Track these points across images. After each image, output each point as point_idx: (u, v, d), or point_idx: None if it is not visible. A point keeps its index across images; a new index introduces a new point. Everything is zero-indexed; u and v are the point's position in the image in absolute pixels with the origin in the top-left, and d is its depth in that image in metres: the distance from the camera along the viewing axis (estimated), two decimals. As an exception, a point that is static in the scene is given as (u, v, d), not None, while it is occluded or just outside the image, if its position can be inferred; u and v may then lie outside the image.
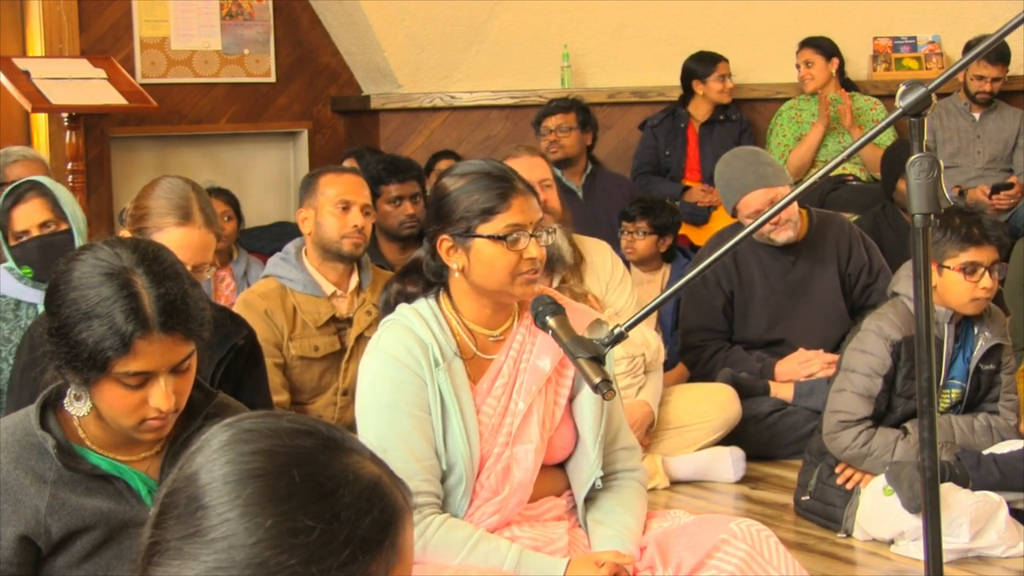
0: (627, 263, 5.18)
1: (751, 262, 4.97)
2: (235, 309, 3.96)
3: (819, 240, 4.96)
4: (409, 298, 2.76)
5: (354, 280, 4.24)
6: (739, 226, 4.99)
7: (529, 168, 4.33)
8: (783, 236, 4.84)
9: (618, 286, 4.54)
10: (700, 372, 5.03)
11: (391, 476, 1.27)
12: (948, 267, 3.77)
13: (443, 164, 6.46)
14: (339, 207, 4.14)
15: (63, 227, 3.79)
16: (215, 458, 1.23)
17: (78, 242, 3.69)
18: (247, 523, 1.18)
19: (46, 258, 3.68)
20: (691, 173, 6.87)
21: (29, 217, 3.79)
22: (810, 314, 4.96)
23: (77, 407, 2.15)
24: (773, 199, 4.65)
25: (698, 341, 5.03)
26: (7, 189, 3.91)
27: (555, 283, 4.42)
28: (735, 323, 5.03)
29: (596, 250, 4.59)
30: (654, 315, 4.87)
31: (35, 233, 3.78)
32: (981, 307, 3.84)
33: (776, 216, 4.69)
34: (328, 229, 4.14)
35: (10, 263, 3.75)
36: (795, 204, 4.84)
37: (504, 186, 2.66)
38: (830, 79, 6.90)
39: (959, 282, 3.77)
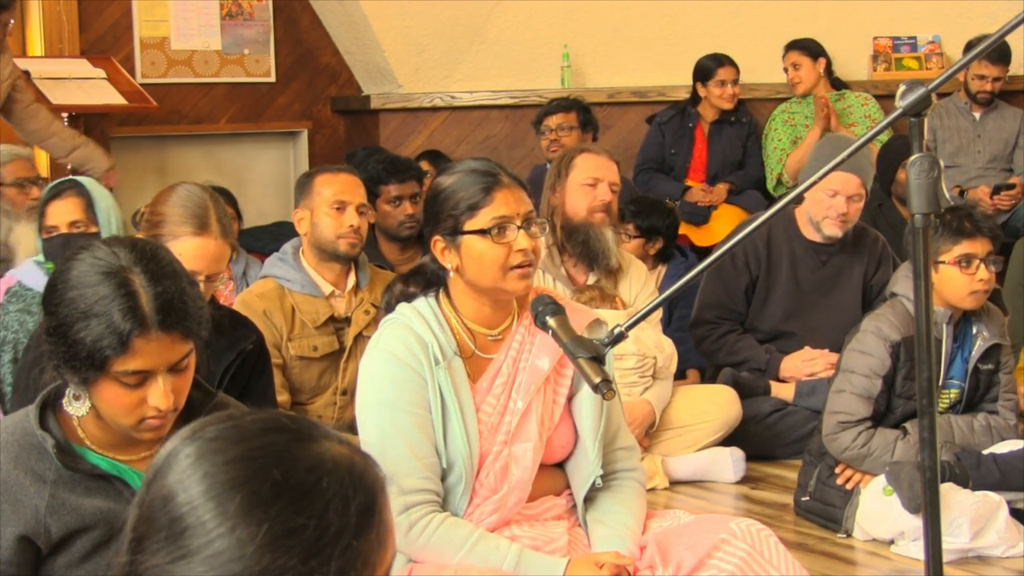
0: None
1: (783, 251, 4.97)
2: (234, 310, 3.96)
3: (852, 247, 4.98)
4: (410, 298, 2.77)
5: (351, 280, 4.24)
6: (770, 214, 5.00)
7: (603, 168, 4.47)
8: (832, 230, 4.85)
9: (647, 298, 4.57)
10: (708, 349, 5.03)
11: (360, 453, 1.27)
12: (944, 262, 3.77)
13: (424, 165, 6.44)
14: (334, 207, 4.15)
15: (92, 230, 3.80)
16: (189, 474, 1.21)
17: None
18: (240, 534, 1.17)
19: None
20: (695, 173, 6.85)
21: (60, 214, 3.84)
22: (827, 315, 4.97)
23: (76, 407, 2.14)
24: (846, 191, 4.69)
25: (712, 317, 5.03)
26: (51, 184, 3.98)
27: (591, 279, 4.46)
28: (752, 308, 5.03)
29: (634, 263, 4.68)
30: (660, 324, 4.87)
31: (63, 230, 3.81)
32: (981, 300, 3.84)
33: (845, 210, 4.72)
34: (324, 229, 4.15)
35: (40, 256, 3.78)
36: (861, 207, 4.84)
37: (487, 180, 2.66)
38: (819, 79, 6.89)
39: (956, 276, 3.77)
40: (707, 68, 6.79)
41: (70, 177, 4.07)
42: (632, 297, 4.55)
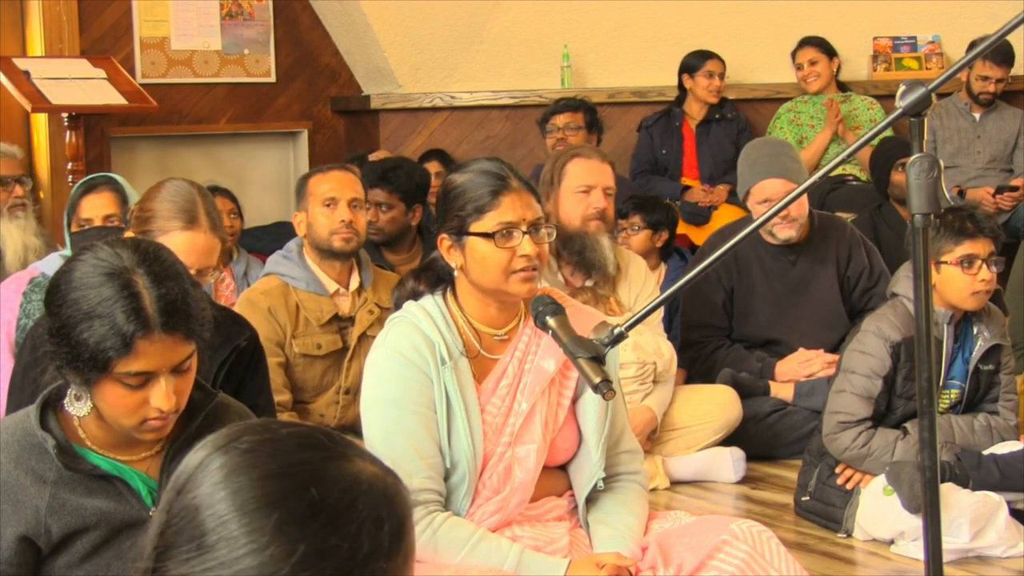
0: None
1: (752, 259, 4.97)
2: (237, 308, 3.97)
3: (820, 242, 4.97)
4: (418, 296, 2.76)
5: (355, 279, 4.25)
6: (739, 224, 4.99)
7: (597, 173, 4.39)
8: (785, 233, 4.84)
9: (647, 299, 4.55)
10: (700, 369, 5.03)
11: (390, 473, 1.26)
12: (945, 262, 3.77)
13: (430, 167, 6.43)
14: (325, 204, 4.19)
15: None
16: (223, 486, 1.20)
17: None
18: (275, 551, 1.17)
19: None
20: (689, 171, 6.86)
21: (96, 207, 3.86)
22: (809, 315, 4.97)
23: (77, 407, 2.14)
24: (788, 192, 4.67)
25: (699, 337, 5.03)
26: (84, 179, 3.99)
27: (588, 283, 4.44)
28: (735, 320, 5.03)
29: (633, 262, 4.65)
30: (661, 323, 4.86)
31: (97, 223, 3.82)
32: (982, 301, 3.84)
33: (785, 211, 4.73)
34: (318, 228, 4.19)
35: (66, 251, 3.79)
36: (807, 206, 4.86)
37: (496, 183, 2.66)
38: (831, 79, 6.91)
39: (958, 276, 3.77)
40: (695, 60, 6.81)
41: (103, 173, 4.08)
42: (632, 299, 4.53)
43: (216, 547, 1.18)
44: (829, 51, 6.91)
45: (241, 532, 1.18)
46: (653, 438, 4.57)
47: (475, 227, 2.65)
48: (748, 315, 5.01)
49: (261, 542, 1.17)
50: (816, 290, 4.98)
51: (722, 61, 6.83)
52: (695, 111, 6.87)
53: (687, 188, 6.72)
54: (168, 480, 2.15)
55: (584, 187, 4.40)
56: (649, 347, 4.49)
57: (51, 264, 3.83)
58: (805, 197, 4.81)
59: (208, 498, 1.20)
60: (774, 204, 4.66)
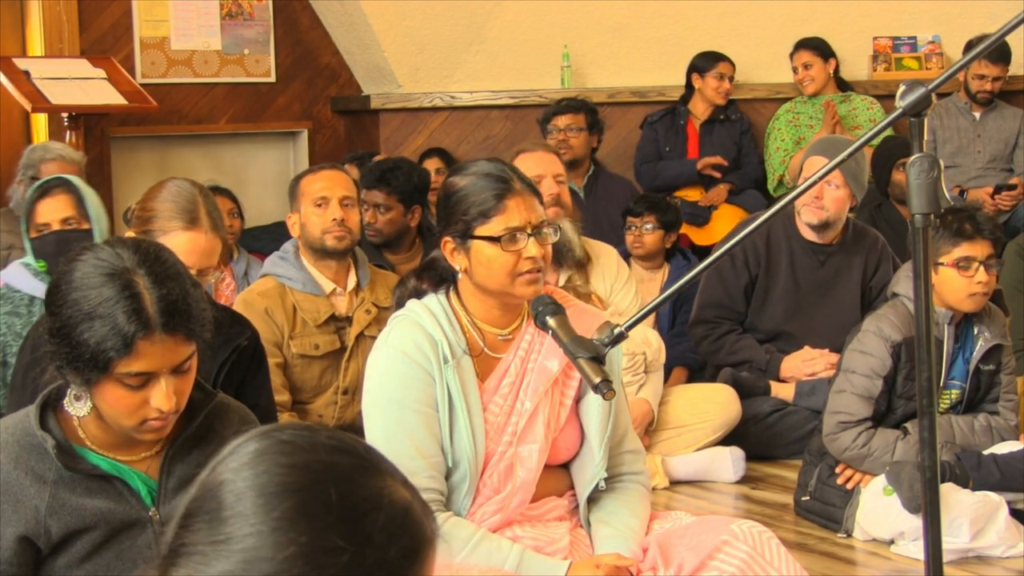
0: (628, 261, 5.18)
1: (782, 251, 4.97)
2: (234, 309, 3.97)
3: (851, 248, 4.98)
4: (421, 295, 2.76)
5: (352, 278, 4.25)
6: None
7: (545, 163, 4.43)
8: (809, 217, 4.85)
9: (622, 288, 4.56)
10: (707, 349, 5.03)
11: (422, 504, 1.26)
12: (943, 264, 3.77)
13: (430, 164, 6.43)
14: (317, 204, 4.19)
15: (84, 226, 3.80)
16: (250, 466, 1.22)
17: None
18: (279, 537, 1.18)
19: (61, 252, 3.68)
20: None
21: (52, 211, 3.84)
22: (826, 316, 4.97)
23: (77, 407, 2.14)
24: (830, 175, 4.70)
25: (712, 317, 5.03)
26: (37, 183, 3.96)
27: (561, 280, 4.44)
28: (751, 308, 5.03)
29: (603, 252, 4.63)
30: (652, 316, 4.88)
31: (55, 227, 3.81)
32: (980, 303, 3.83)
33: (819, 193, 4.71)
34: (311, 228, 4.19)
35: (27, 258, 3.77)
36: (845, 207, 4.84)
37: (501, 187, 2.65)
38: (828, 80, 6.91)
39: (955, 278, 3.77)
40: (707, 61, 6.81)
41: (57, 176, 4.06)
42: (607, 289, 4.52)
43: (228, 521, 1.19)
44: (825, 53, 6.89)
45: (253, 510, 1.19)
46: (650, 431, 4.58)
47: (480, 231, 2.64)
48: (766, 304, 5.01)
49: (270, 525, 1.18)
50: (838, 293, 4.98)
51: (732, 64, 6.82)
52: (700, 111, 6.87)
53: (696, 181, 6.68)
54: (168, 480, 2.17)
55: (536, 178, 4.41)
56: (638, 337, 4.50)
57: (14, 274, 3.77)
58: (845, 197, 4.79)
59: (232, 474, 1.22)
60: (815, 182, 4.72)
